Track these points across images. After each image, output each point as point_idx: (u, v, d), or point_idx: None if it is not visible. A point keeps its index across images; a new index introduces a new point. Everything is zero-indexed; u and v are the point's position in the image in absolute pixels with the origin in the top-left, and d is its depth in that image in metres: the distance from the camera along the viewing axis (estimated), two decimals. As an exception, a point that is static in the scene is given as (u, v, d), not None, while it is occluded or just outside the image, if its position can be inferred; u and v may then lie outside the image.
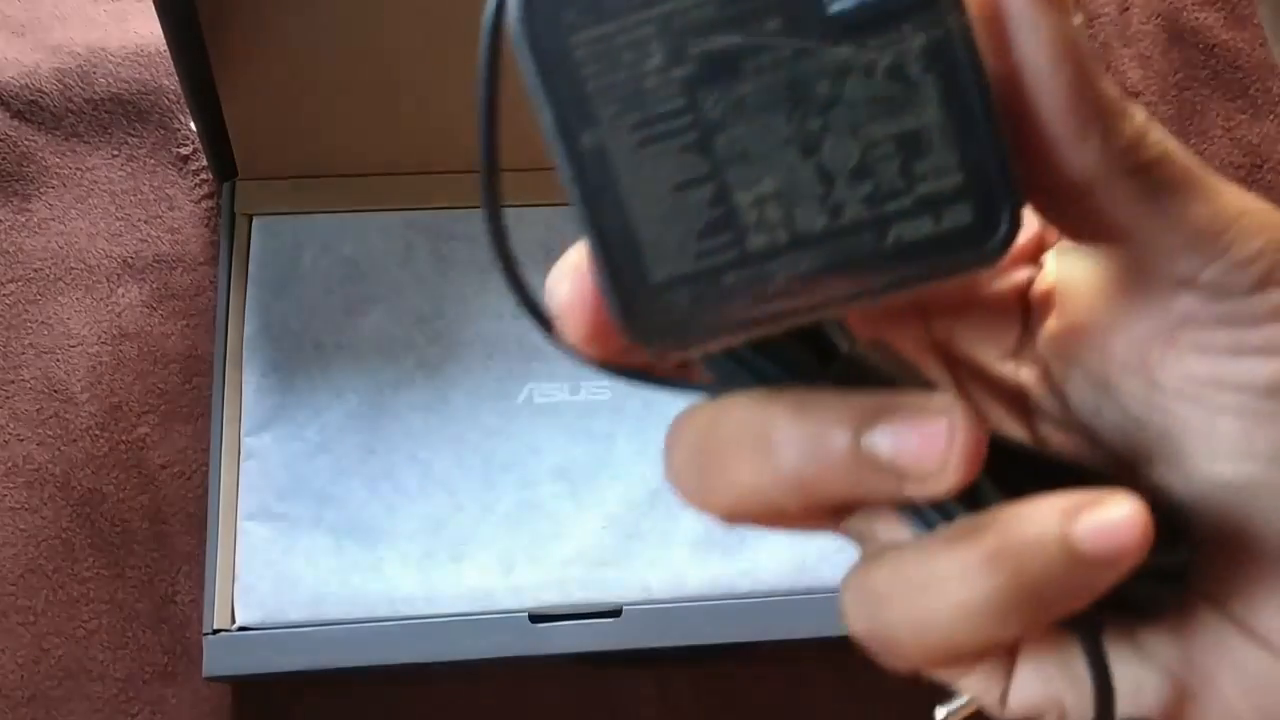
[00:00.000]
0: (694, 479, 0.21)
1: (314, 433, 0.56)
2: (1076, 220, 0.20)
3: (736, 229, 0.18)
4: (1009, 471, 0.20)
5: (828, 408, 0.19)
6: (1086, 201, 0.19)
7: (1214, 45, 0.72)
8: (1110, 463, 0.22)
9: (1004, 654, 0.22)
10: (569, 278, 0.20)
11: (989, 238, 0.18)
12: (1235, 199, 0.19)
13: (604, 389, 0.57)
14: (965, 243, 0.18)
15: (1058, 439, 0.23)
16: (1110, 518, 0.18)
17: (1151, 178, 0.19)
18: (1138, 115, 0.19)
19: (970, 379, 0.24)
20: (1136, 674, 0.22)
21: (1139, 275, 0.20)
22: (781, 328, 0.19)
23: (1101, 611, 0.20)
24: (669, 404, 0.63)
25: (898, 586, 0.19)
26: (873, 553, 0.21)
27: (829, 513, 0.21)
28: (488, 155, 0.19)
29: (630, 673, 0.57)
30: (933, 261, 0.18)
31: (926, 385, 0.21)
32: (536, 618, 0.52)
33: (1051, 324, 0.23)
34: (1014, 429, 0.23)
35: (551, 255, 0.67)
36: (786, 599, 0.54)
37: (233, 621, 0.53)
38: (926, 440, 0.18)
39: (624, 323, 0.19)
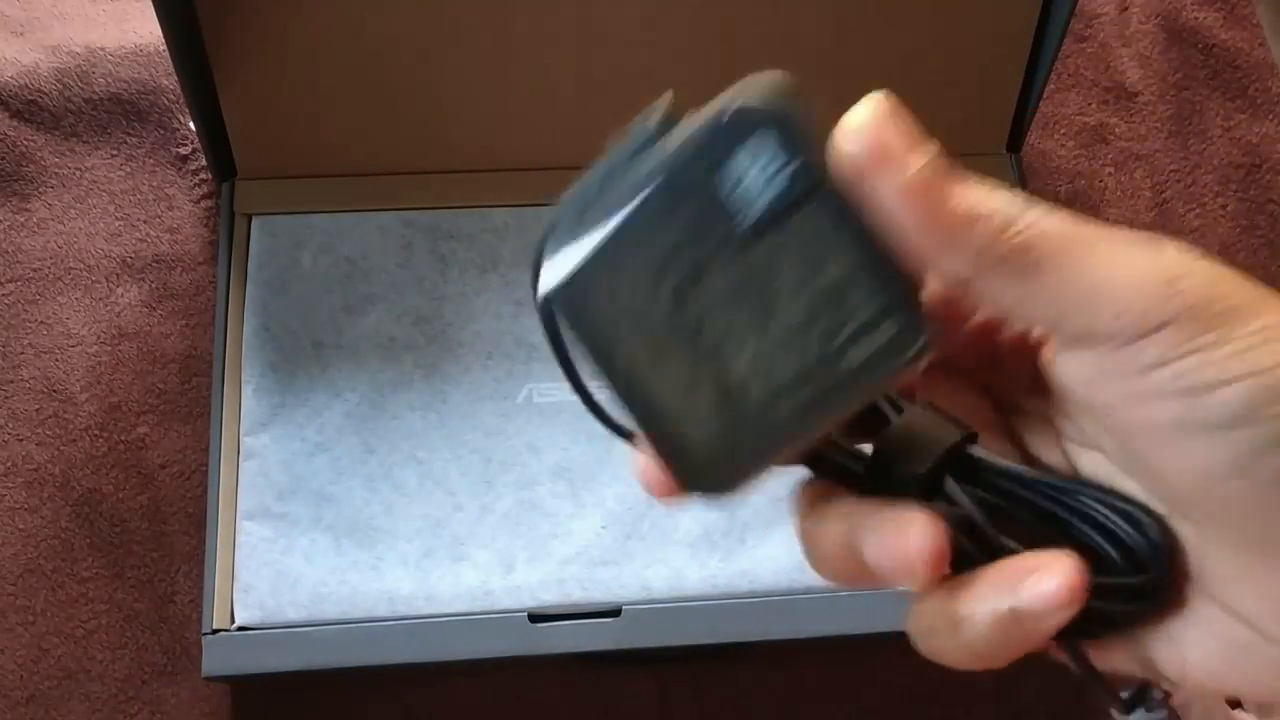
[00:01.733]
0: (805, 556, 0.28)
1: (313, 432, 0.56)
2: (983, 307, 0.24)
3: (738, 391, 0.24)
4: (1015, 493, 0.26)
5: (840, 520, 0.26)
6: (975, 295, 0.23)
7: (1213, 45, 0.72)
8: (1118, 475, 0.26)
9: None
10: (640, 473, 0.26)
11: (914, 339, 0.23)
12: (1108, 258, 0.22)
13: (604, 389, 0.57)
14: (899, 348, 0.23)
15: (1085, 459, 0.26)
16: (1044, 589, 0.23)
17: (1018, 262, 0.22)
18: (998, 212, 0.22)
19: (1014, 415, 0.28)
20: (1143, 657, 0.25)
21: (1055, 338, 0.24)
22: (797, 453, 0.25)
23: (1092, 628, 0.25)
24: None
25: (920, 625, 0.26)
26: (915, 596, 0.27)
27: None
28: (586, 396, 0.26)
29: (630, 673, 0.57)
30: (881, 369, 0.23)
31: (965, 429, 0.26)
32: (536, 617, 0.52)
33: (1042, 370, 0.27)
34: (1050, 451, 0.27)
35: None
36: (785, 599, 0.54)
37: (232, 621, 0.53)
38: (893, 554, 0.24)
39: (683, 482, 0.25)
